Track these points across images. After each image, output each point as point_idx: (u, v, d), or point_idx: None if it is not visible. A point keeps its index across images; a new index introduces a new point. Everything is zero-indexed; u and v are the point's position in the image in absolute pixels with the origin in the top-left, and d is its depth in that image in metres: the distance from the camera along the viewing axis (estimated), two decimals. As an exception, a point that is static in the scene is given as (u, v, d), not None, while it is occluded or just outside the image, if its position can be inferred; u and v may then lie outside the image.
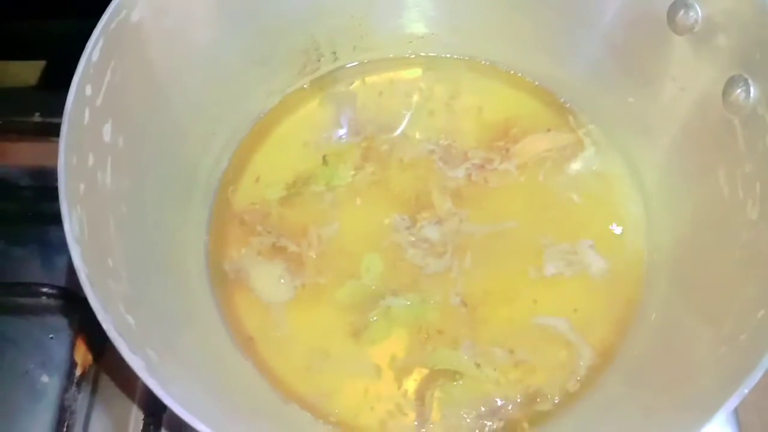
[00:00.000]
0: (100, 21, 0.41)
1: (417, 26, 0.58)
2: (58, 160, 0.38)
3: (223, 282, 0.51)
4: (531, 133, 0.56)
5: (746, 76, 0.42)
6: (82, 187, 0.39)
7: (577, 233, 0.53)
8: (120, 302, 0.37)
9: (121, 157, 0.43)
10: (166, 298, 0.44)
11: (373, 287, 0.51)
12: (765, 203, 0.40)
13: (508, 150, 0.56)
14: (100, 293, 0.36)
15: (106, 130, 0.42)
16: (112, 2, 0.41)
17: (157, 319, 0.40)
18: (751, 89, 0.41)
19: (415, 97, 0.58)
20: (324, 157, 0.55)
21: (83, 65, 0.40)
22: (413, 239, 0.53)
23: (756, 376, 0.33)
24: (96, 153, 0.41)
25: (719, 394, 0.34)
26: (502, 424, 0.47)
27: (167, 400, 0.33)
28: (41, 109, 0.62)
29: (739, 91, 0.42)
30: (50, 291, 0.53)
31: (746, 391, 0.33)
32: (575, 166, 0.55)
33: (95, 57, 0.40)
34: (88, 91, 0.40)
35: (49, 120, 0.61)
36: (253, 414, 0.45)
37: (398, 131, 0.57)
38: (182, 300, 0.47)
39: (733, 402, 0.33)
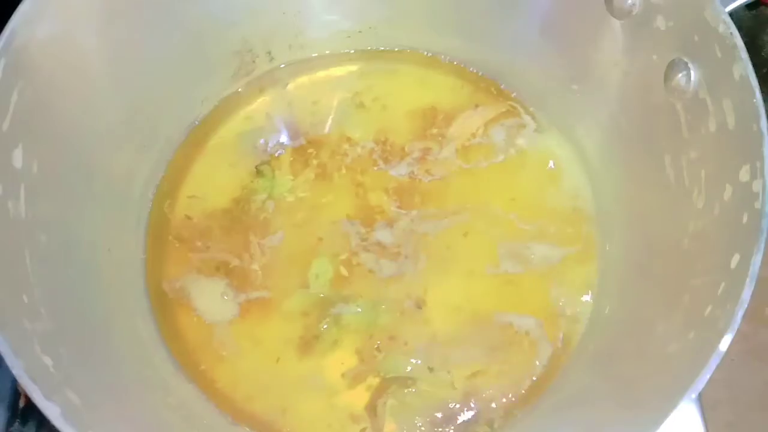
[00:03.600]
0: (-1, 40, 0.38)
1: (351, 21, 0.55)
2: (-41, 196, 0.35)
3: (163, 304, 0.49)
4: (460, 113, 0.54)
5: (686, 59, 0.40)
6: (-10, 220, 0.36)
7: (529, 222, 0.51)
8: (36, 342, 0.35)
9: (36, 183, 0.40)
10: (96, 328, 0.42)
11: (322, 295, 0.49)
12: (710, 192, 0.39)
13: (443, 135, 0.54)
14: (12, 335, 0.33)
15: (17, 156, 0.39)
16: (12, 18, 0.38)
17: (83, 355, 0.38)
18: (692, 73, 0.40)
19: (354, 95, 0.55)
20: (257, 168, 0.53)
21: (-17, 89, 0.37)
22: (365, 243, 0.51)
23: (703, 380, 0.32)
24: (6, 182, 0.38)
25: (673, 391, 0.33)
26: (457, 429, 0.46)
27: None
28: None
29: (680, 75, 0.40)
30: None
31: (694, 396, 0.31)
32: (517, 148, 0.54)
33: (-2, 78, 0.37)
34: (-8, 116, 0.37)
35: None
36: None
37: (337, 132, 0.54)
38: (116, 328, 0.44)
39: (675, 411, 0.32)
